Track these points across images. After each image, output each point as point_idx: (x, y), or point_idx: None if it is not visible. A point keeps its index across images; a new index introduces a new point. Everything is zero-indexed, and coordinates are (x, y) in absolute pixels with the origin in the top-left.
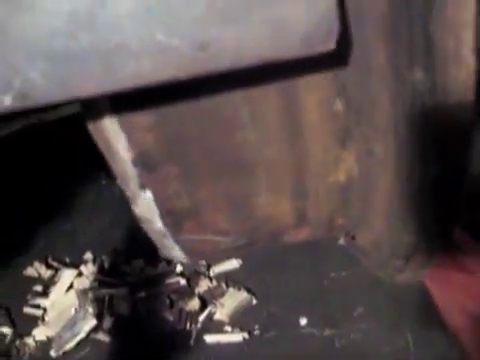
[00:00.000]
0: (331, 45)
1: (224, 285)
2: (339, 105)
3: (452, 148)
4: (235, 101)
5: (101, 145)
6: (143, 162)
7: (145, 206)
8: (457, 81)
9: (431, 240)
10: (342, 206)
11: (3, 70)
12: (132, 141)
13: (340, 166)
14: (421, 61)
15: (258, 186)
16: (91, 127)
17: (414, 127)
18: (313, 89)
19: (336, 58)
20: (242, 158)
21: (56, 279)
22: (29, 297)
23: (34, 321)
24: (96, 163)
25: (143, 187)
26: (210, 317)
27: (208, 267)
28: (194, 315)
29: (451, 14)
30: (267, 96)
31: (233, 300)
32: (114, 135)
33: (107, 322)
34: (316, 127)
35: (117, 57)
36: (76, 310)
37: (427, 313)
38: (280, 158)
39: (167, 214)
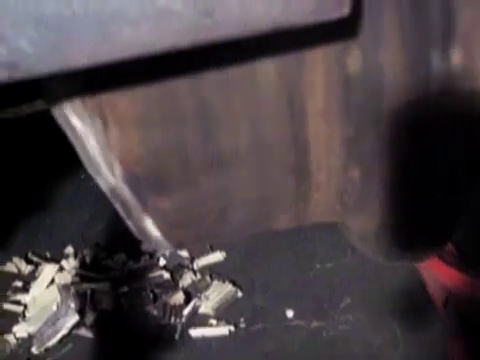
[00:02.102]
0: (345, 10)
1: (208, 278)
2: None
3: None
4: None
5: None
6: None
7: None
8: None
9: (431, 232)
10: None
11: None
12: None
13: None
14: None
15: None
16: (116, 203)
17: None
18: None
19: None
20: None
21: (37, 274)
22: (9, 293)
23: (15, 318)
24: (74, 157)
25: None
26: (195, 311)
27: (192, 260)
28: (178, 309)
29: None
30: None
31: (218, 293)
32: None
33: (90, 317)
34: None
35: (113, 23)
36: (58, 306)
37: (414, 303)
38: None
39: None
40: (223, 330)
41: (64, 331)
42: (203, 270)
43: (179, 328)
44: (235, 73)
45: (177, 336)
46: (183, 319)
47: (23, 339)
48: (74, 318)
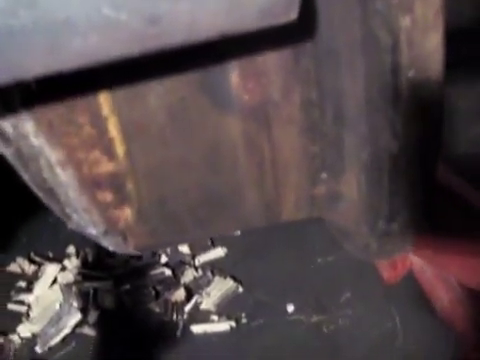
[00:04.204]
0: (292, 15)
1: (210, 274)
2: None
3: (424, 128)
4: None
5: None
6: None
7: None
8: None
9: (407, 220)
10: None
11: None
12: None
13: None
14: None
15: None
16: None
17: (385, 110)
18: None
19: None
20: None
21: (40, 274)
22: (13, 293)
23: (18, 317)
24: None
25: None
26: (196, 307)
27: (193, 256)
28: (180, 305)
29: None
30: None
31: (219, 289)
32: None
33: (92, 316)
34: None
35: (62, 34)
36: (61, 305)
37: (415, 296)
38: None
39: None
40: (224, 326)
41: (67, 330)
42: (204, 266)
43: (181, 324)
44: None
45: (179, 333)
46: (185, 315)
47: (27, 339)
48: (77, 317)
